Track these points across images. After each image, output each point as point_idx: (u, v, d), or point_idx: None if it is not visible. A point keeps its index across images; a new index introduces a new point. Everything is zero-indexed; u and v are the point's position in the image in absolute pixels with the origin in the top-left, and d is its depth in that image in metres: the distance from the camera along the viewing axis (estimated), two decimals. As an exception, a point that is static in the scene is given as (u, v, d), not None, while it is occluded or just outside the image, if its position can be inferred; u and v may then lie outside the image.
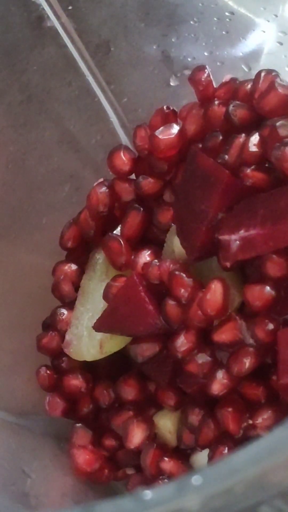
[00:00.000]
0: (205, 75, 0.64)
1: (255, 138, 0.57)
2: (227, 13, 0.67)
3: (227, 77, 0.67)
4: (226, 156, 0.58)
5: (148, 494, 0.30)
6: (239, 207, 0.56)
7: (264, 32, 0.67)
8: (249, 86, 0.61)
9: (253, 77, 0.61)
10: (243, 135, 0.58)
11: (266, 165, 0.57)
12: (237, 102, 0.60)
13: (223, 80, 0.67)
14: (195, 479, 0.29)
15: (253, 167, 0.57)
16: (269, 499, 0.34)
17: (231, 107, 0.60)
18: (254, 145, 0.57)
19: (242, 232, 0.54)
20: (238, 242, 0.54)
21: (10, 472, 0.60)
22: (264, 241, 0.53)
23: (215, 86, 0.65)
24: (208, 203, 0.56)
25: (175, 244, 0.62)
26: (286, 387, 0.53)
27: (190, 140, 0.63)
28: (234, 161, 0.58)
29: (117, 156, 0.67)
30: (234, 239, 0.55)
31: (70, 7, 0.66)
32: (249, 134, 0.58)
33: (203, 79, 0.64)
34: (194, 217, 0.58)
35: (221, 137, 0.61)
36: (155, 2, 0.68)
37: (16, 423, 0.66)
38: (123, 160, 0.67)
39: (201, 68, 0.64)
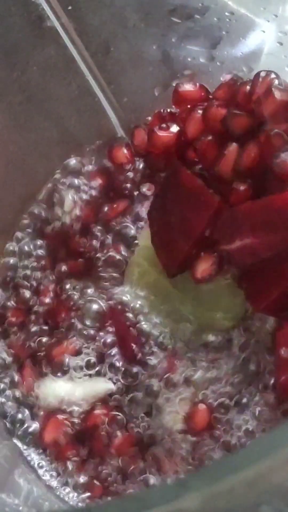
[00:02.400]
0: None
1: (250, 146, 0.58)
2: (227, 13, 0.67)
3: (226, 77, 0.67)
4: (218, 165, 0.59)
5: (148, 494, 0.30)
6: (224, 222, 0.57)
7: (264, 32, 0.67)
8: (248, 87, 0.61)
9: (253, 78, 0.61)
10: (234, 144, 0.59)
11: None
12: (235, 111, 0.60)
13: (223, 80, 0.67)
14: (195, 479, 0.29)
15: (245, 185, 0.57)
16: (269, 499, 0.34)
17: (228, 118, 0.60)
18: (249, 153, 0.58)
19: (238, 242, 0.55)
20: (239, 250, 0.56)
21: (10, 472, 0.61)
22: (263, 247, 0.54)
23: (214, 87, 0.66)
24: (195, 224, 0.58)
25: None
26: (284, 386, 0.53)
27: (189, 141, 0.63)
28: (226, 168, 0.59)
29: None
30: (235, 247, 0.56)
31: (70, 7, 0.66)
32: (244, 141, 0.58)
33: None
34: (177, 236, 0.60)
35: (214, 142, 0.61)
36: (155, 2, 0.68)
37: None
38: None
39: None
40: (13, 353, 0.67)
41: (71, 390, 0.63)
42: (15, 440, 0.64)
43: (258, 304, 0.58)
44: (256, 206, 0.55)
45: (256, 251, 0.55)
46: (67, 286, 0.68)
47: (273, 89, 0.57)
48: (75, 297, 0.67)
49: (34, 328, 0.67)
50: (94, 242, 0.69)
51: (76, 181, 0.73)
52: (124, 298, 0.65)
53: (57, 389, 0.63)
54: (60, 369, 0.64)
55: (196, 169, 0.63)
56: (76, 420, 0.62)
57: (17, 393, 0.65)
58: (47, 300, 0.68)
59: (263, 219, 0.54)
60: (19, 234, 0.72)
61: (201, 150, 0.61)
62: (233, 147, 0.59)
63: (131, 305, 0.64)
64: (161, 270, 0.62)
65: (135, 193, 0.69)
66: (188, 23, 0.68)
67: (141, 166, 0.70)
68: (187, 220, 0.59)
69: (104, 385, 0.62)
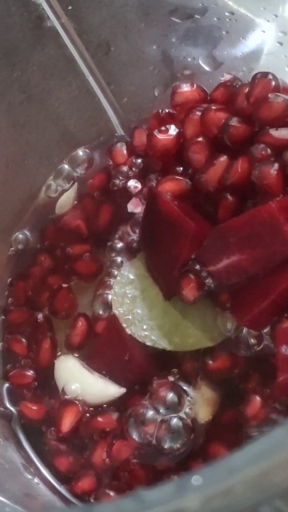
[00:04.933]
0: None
1: (239, 162, 0.58)
2: (227, 13, 0.67)
3: (226, 76, 0.67)
4: (205, 172, 0.60)
5: (148, 494, 0.30)
6: (209, 241, 0.57)
7: (264, 32, 0.67)
8: (247, 90, 0.61)
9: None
10: (225, 156, 0.59)
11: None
12: (232, 123, 0.60)
13: (222, 79, 0.67)
14: (195, 479, 0.29)
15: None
16: (269, 499, 0.34)
17: (225, 129, 0.60)
18: (236, 168, 0.58)
19: (225, 260, 0.55)
20: (226, 269, 0.56)
21: (10, 472, 0.61)
22: (250, 263, 0.54)
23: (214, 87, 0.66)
24: (176, 251, 0.58)
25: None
26: (283, 385, 0.53)
27: (188, 142, 0.63)
28: (212, 180, 0.59)
29: None
30: (222, 267, 0.56)
31: (70, 7, 0.66)
32: (240, 152, 0.58)
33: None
34: (164, 261, 0.60)
35: (206, 145, 0.61)
36: (155, 2, 0.68)
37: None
38: None
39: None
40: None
41: (87, 376, 0.62)
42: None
43: (241, 317, 0.57)
44: (240, 221, 0.55)
45: (243, 268, 0.55)
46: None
47: (269, 95, 0.57)
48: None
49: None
50: (95, 242, 0.69)
51: (75, 180, 0.73)
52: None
53: (74, 368, 0.63)
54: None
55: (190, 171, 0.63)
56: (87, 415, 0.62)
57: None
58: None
59: (248, 233, 0.54)
60: (19, 235, 0.72)
61: (189, 151, 0.62)
62: (223, 158, 0.59)
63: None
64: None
65: (134, 192, 0.69)
66: (188, 23, 0.68)
67: (139, 166, 0.70)
68: (170, 247, 0.59)
69: (115, 389, 0.62)
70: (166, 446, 0.58)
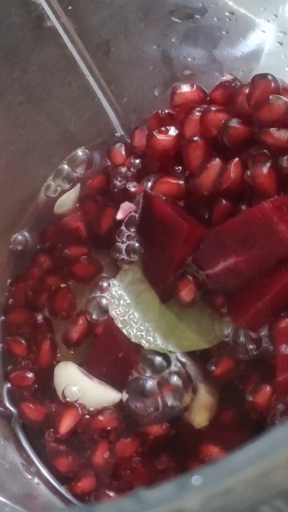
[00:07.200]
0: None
1: (233, 165, 0.58)
2: (227, 13, 0.67)
3: (227, 76, 0.67)
4: (198, 176, 0.60)
5: (148, 494, 0.30)
6: (206, 244, 0.57)
7: (264, 32, 0.67)
8: (247, 91, 0.61)
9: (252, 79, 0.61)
10: (218, 160, 0.59)
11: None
12: (231, 124, 0.60)
13: (223, 79, 0.67)
14: (195, 479, 0.29)
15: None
16: (269, 499, 0.34)
17: (225, 130, 0.60)
18: (229, 173, 0.58)
19: (222, 263, 0.56)
20: (223, 271, 0.56)
21: (10, 472, 0.61)
22: (246, 265, 0.54)
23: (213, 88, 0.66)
24: (171, 253, 0.58)
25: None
26: (284, 384, 0.53)
27: (184, 141, 0.63)
28: (206, 184, 0.59)
29: None
30: (219, 270, 0.56)
31: (70, 7, 0.66)
32: (239, 154, 0.58)
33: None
34: (160, 263, 0.60)
35: (201, 145, 0.61)
36: (155, 2, 0.68)
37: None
38: None
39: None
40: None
41: (86, 382, 0.62)
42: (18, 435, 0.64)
43: (237, 318, 0.57)
44: (235, 223, 0.55)
45: (240, 270, 0.55)
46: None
47: (270, 97, 0.57)
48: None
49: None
50: (94, 244, 0.69)
51: (75, 181, 0.73)
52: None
53: (74, 374, 0.63)
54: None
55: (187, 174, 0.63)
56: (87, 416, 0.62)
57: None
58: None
59: (244, 235, 0.54)
60: (18, 236, 0.72)
61: (184, 150, 0.62)
62: (215, 162, 0.59)
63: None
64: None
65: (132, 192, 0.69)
66: (188, 23, 0.68)
67: (138, 166, 0.70)
68: (165, 248, 0.59)
69: (115, 394, 0.62)
70: (169, 404, 0.59)
